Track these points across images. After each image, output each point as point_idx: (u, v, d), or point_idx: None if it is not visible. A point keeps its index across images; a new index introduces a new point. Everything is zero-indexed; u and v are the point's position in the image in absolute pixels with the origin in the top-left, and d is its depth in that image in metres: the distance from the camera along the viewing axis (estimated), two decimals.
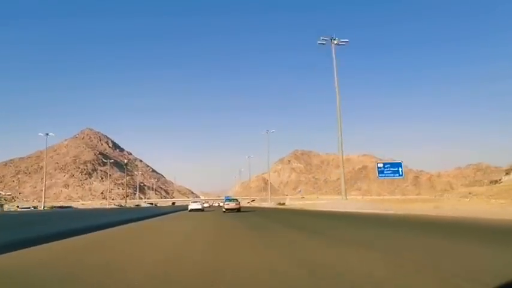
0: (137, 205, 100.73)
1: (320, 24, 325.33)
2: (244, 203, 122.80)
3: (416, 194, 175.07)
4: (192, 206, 38.79)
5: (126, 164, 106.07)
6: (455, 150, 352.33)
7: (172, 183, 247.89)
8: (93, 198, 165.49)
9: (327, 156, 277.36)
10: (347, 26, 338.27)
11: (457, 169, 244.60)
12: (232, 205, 30.83)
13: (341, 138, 34.18)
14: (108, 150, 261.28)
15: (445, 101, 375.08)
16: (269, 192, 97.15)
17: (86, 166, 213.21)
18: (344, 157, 36.67)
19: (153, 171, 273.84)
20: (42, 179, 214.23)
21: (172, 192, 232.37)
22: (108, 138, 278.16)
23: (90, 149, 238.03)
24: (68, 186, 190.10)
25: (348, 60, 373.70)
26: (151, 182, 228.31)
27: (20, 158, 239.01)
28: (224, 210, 30.85)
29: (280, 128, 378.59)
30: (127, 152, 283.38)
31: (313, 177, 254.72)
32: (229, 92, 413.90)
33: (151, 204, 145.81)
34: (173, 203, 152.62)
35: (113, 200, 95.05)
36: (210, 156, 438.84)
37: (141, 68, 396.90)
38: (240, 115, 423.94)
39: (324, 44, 35.85)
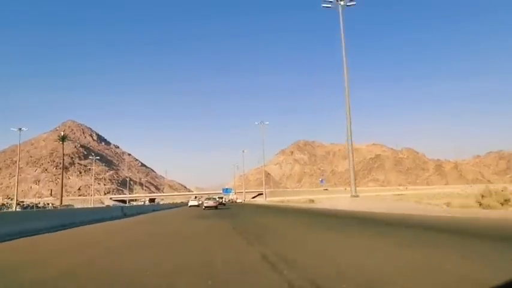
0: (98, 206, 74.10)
1: None
2: (246, 199, 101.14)
3: (444, 184, 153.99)
4: (191, 203, 48.06)
5: (63, 137, 79.17)
6: (471, 139, 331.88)
7: (164, 178, 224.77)
8: (67, 195, 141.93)
9: (332, 146, 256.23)
10: None
11: (476, 157, 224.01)
12: (210, 203, 32.41)
13: (349, 112, 26.63)
14: (92, 143, 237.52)
15: (451, 90, 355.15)
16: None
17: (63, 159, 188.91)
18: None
19: (143, 165, 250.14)
20: (10, 174, 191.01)
21: (163, 188, 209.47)
22: (92, 130, 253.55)
23: (70, 142, 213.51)
24: (39, 182, 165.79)
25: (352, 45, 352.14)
26: (139, 176, 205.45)
27: None
28: (204, 207, 31.97)
29: (280, 118, 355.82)
30: (114, 145, 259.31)
31: (319, 168, 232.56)
32: (228, 84, 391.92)
33: (123, 202, 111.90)
34: (152, 200, 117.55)
35: (68, 196, 71.55)
36: (205, 150, 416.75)
37: (137, 64, 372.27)
38: (238, 107, 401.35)
39: (329, 7, 29.61)
